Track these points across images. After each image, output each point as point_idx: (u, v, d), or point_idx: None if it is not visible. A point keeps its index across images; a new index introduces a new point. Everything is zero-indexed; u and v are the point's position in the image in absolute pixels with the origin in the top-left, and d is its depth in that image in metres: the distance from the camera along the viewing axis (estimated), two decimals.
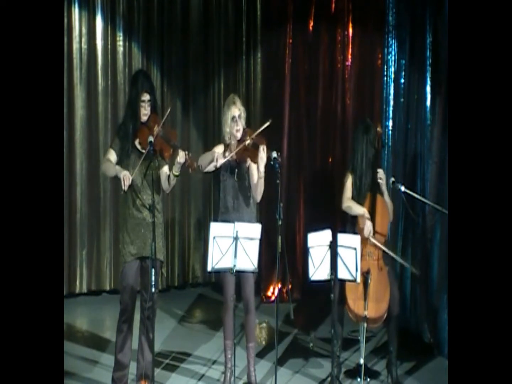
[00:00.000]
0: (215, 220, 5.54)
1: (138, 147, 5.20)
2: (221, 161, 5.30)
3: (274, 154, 5.19)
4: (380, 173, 5.66)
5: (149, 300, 5.10)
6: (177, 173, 5.14)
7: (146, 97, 5.18)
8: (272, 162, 5.19)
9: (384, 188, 5.67)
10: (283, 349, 6.33)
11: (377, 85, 7.61)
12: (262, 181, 5.30)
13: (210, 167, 5.38)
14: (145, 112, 5.19)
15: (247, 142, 5.29)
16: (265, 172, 5.30)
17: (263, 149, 5.17)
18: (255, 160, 5.27)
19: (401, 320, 5.89)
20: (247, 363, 5.55)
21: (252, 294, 5.52)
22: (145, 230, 5.18)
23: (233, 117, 5.39)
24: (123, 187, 5.09)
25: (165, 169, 5.26)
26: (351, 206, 5.65)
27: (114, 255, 7.95)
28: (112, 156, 5.24)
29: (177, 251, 8.50)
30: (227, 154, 5.38)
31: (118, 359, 5.31)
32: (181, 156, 5.04)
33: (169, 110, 5.32)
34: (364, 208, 5.60)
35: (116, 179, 5.26)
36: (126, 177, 5.07)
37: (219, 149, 5.49)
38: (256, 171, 5.31)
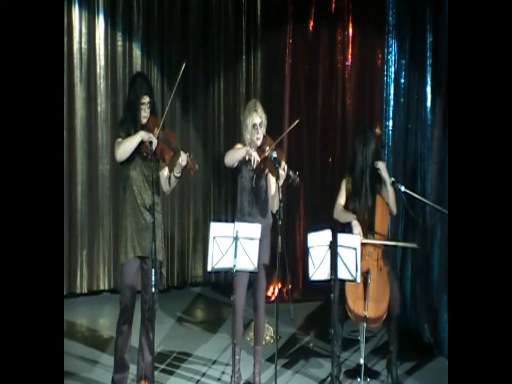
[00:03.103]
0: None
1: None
2: (256, 156, 5.23)
3: (274, 154, 5.18)
4: (380, 164, 5.63)
5: (149, 300, 5.09)
6: (178, 175, 5.15)
7: (145, 99, 5.17)
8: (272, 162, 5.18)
9: (386, 176, 5.62)
10: (283, 349, 6.33)
11: (377, 85, 7.62)
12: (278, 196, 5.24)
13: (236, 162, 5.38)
14: (144, 114, 5.18)
15: (267, 153, 5.25)
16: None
17: (284, 169, 5.11)
18: (273, 174, 5.25)
19: (401, 320, 5.88)
20: (253, 364, 5.53)
21: (263, 297, 5.49)
22: (144, 230, 5.17)
23: (254, 125, 5.36)
24: (149, 152, 5.01)
25: (165, 170, 5.26)
26: (340, 215, 5.66)
27: (114, 255, 7.95)
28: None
29: (177, 251, 8.49)
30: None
31: (118, 360, 5.30)
32: (183, 159, 5.06)
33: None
34: (353, 215, 5.58)
35: (125, 171, 5.18)
36: (154, 142, 5.01)
37: (239, 147, 5.45)
38: (275, 184, 5.29)
